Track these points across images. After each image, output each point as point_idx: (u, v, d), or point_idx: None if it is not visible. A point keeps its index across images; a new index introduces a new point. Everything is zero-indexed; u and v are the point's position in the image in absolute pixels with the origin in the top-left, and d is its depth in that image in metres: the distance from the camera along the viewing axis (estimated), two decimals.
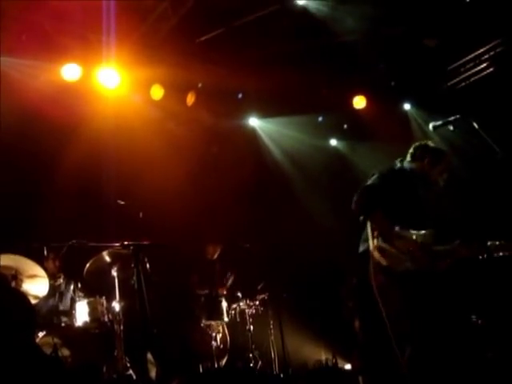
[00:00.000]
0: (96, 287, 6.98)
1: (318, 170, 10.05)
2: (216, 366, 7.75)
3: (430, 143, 5.26)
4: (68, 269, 7.28)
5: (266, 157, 10.14)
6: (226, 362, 8.12)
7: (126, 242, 5.97)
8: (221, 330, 8.14)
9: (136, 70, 7.87)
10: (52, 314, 7.01)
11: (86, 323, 6.70)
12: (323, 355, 9.29)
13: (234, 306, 8.44)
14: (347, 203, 4.94)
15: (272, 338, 8.37)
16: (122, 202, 6.75)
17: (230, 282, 8.67)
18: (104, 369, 6.37)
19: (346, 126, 10.48)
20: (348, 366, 8.57)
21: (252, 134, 10.08)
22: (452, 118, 4.28)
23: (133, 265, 5.81)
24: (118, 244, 6.09)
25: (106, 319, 6.76)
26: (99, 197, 8.08)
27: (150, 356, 6.87)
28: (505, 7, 7.45)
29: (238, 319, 8.42)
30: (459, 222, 7.73)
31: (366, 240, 4.83)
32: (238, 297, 8.52)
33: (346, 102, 9.55)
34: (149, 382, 6.64)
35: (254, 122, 10.06)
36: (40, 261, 6.53)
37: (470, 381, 5.31)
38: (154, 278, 6.66)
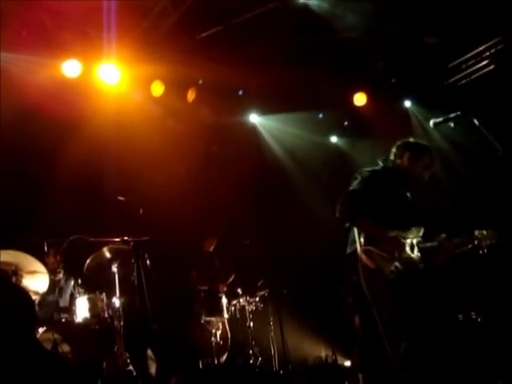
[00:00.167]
0: (96, 283, 6.98)
1: (319, 166, 10.05)
2: (216, 362, 7.76)
3: (412, 139, 5.26)
4: (68, 264, 7.28)
5: (266, 153, 10.13)
6: (225, 359, 8.13)
7: (125, 238, 5.98)
8: (221, 327, 8.15)
9: (136, 67, 7.87)
10: (52, 309, 7.02)
11: (86, 319, 6.69)
12: (323, 352, 9.30)
13: (234, 302, 8.44)
14: None
15: (272, 334, 8.38)
16: (123, 198, 6.74)
17: (230, 279, 8.67)
18: (104, 365, 6.37)
19: (346, 123, 10.48)
20: (348, 363, 8.57)
21: (252, 131, 10.08)
22: (453, 115, 4.28)
23: (133, 261, 5.82)
24: (118, 239, 6.10)
25: (106, 315, 6.75)
26: (99, 193, 8.08)
27: (149, 352, 6.87)
28: (506, 4, 7.44)
29: (238, 316, 8.42)
30: (445, 216, 7.76)
31: (354, 242, 4.87)
32: (238, 293, 8.51)
33: (346, 98, 9.54)
34: (149, 377, 6.64)
35: (254, 118, 10.05)
36: (40, 257, 6.52)
37: (464, 376, 5.35)
38: (154, 275, 6.66)
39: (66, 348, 6.30)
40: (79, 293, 7.02)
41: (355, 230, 4.85)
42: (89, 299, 6.79)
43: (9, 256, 6.15)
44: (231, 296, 8.47)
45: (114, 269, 6.68)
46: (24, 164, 7.65)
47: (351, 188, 4.93)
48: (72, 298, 7.09)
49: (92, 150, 7.82)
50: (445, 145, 9.23)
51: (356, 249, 4.81)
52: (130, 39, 7.46)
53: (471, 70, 8.85)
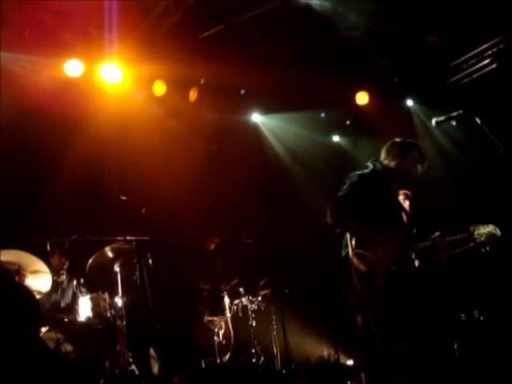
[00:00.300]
0: (99, 283, 6.99)
1: (321, 166, 10.04)
2: (218, 361, 7.76)
3: (398, 139, 5.26)
4: (70, 264, 7.29)
5: (268, 153, 10.14)
6: (228, 358, 8.13)
7: (128, 237, 5.99)
8: (223, 326, 8.15)
9: (138, 66, 7.87)
10: (55, 309, 7.02)
11: (88, 319, 6.71)
12: (325, 351, 9.31)
13: (237, 301, 8.45)
14: None
15: (274, 333, 8.40)
16: (125, 198, 6.75)
17: (233, 282, 8.66)
18: (106, 364, 6.38)
19: (348, 122, 10.48)
20: (350, 362, 8.58)
21: (254, 130, 10.08)
22: (455, 114, 4.27)
23: (135, 260, 5.83)
24: (120, 239, 6.10)
25: (109, 315, 6.76)
26: (102, 192, 8.08)
27: (152, 351, 6.88)
28: (507, 3, 7.44)
29: (241, 315, 8.43)
30: (447, 215, 7.76)
31: (347, 246, 4.90)
32: (241, 293, 8.52)
33: (348, 98, 9.54)
34: (151, 377, 6.65)
35: (256, 117, 10.05)
36: (43, 256, 6.52)
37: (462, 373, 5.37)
38: (157, 274, 6.67)
39: (68, 347, 6.30)
40: (81, 292, 7.05)
41: (347, 234, 4.89)
42: (91, 299, 6.80)
43: (11, 255, 6.14)
44: (233, 295, 8.48)
45: (117, 268, 6.69)
46: (26, 164, 7.65)
47: (340, 194, 4.94)
48: (74, 298, 7.11)
49: (94, 150, 7.82)
50: (447, 143, 9.25)
51: (348, 252, 4.86)
52: (131, 39, 7.46)
53: (473, 68, 8.84)
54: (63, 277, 7.27)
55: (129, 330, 6.54)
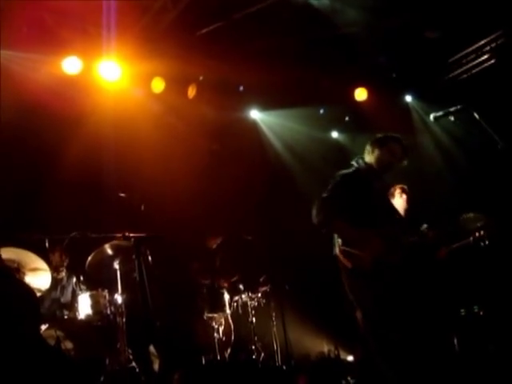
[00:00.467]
0: (98, 280, 6.99)
1: (320, 162, 10.04)
2: (219, 358, 7.77)
3: (379, 134, 5.31)
4: (70, 261, 7.29)
5: (267, 149, 10.14)
6: (228, 355, 8.14)
7: (126, 234, 5.99)
8: (223, 323, 8.15)
9: (137, 63, 7.86)
10: (54, 307, 7.04)
11: (88, 316, 6.72)
12: (325, 347, 9.31)
13: (236, 298, 8.45)
14: None
15: (274, 330, 8.39)
16: (124, 195, 6.75)
17: (233, 279, 8.66)
18: (107, 361, 6.38)
19: (347, 119, 10.48)
20: (350, 358, 8.59)
21: (253, 127, 10.08)
22: (453, 109, 4.28)
23: (134, 256, 5.83)
24: (119, 235, 6.11)
25: (109, 312, 6.76)
26: (101, 189, 8.07)
27: (152, 348, 6.89)
28: None
29: (241, 311, 8.44)
30: (446, 209, 7.78)
31: (335, 244, 5.02)
32: (240, 289, 8.53)
33: (347, 94, 9.54)
34: (151, 374, 6.66)
35: (255, 114, 10.05)
36: (42, 253, 6.52)
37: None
38: (157, 271, 6.68)
39: (68, 345, 6.31)
40: (81, 290, 7.04)
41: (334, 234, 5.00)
42: (91, 296, 6.81)
43: (11, 253, 6.14)
44: (233, 292, 8.48)
45: (116, 265, 6.70)
46: (25, 161, 7.64)
47: (324, 195, 5.02)
48: (74, 295, 7.11)
49: (93, 147, 7.82)
50: (445, 139, 9.25)
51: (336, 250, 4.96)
52: (130, 36, 7.45)
53: (472, 64, 8.84)
54: (63, 274, 7.28)
55: (129, 327, 6.54)
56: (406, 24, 8.01)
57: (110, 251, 6.70)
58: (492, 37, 8.40)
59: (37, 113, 7.41)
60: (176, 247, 8.16)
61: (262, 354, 8.11)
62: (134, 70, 7.97)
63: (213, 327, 7.90)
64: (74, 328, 6.57)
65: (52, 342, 5.92)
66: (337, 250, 4.94)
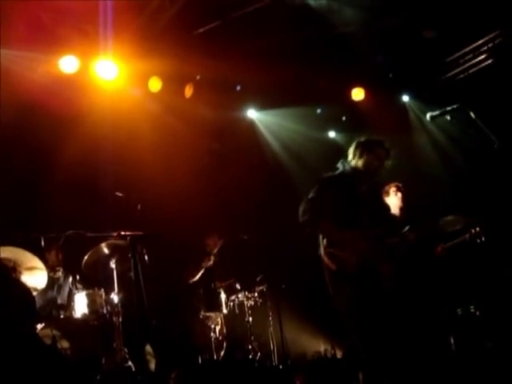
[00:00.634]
0: (95, 279, 6.98)
1: (317, 161, 10.03)
2: (215, 357, 7.77)
3: (362, 138, 5.36)
4: (66, 260, 7.28)
5: (264, 149, 10.13)
6: (224, 354, 8.14)
7: (122, 233, 5.98)
8: (219, 322, 8.15)
9: (134, 62, 7.85)
10: (51, 306, 7.02)
11: (84, 315, 6.71)
12: (322, 346, 9.32)
13: (233, 297, 8.44)
14: None
15: (271, 329, 8.40)
16: (120, 194, 6.74)
17: (230, 281, 8.64)
18: (103, 360, 6.37)
19: (344, 118, 10.48)
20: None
21: (250, 126, 10.07)
22: (449, 108, 4.28)
23: (130, 255, 5.82)
24: (114, 234, 6.10)
25: (105, 311, 6.76)
26: (97, 189, 8.06)
27: (149, 348, 6.88)
28: None
29: (237, 311, 8.43)
30: (442, 209, 7.78)
31: (320, 245, 5.06)
32: (237, 288, 8.52)
33: (344, 93, 9.54)
34: (148, 373, 6.65)
35: (252, 114, 10.04)
36: (38, 252, 6.51)
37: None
38: (153, 270, 6.66)
39: (64, 344, 6.31)
40: (77, 289, 7.03)
41: (319, 235, 5.04)
42: (87, 295, 6.80)
43: (7, 252, 6.13)
44: (230, 291, 8.48)
45: (112, 264, 6.69)
46: (21, 160, 7.64)
47: (309, 196, 5.09)
48: (70, 294, 7.09)
49: (90, 146, 7.81)
50: (442, 138, 9.26)
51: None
52: (127, 35, 7.44)
53: (469, 64, 8.85)
54: (59, 273, 7.26)
55: (125, 326, 6.53)
56: (403, 23, 8.01)
57: (106, 250, 6.70)
58: (489, 37, 8.41)
59: (33, 111, 7.40)
60: (173, 246, 8.15)
61: (259, 354, 8.12)
62: (131, 69, 7.96)
63: (209, 326, 7.90)
64: (71, 327, 6.56)
65: (48, 341, 5.93)
66: (321, 251, 4.98)
